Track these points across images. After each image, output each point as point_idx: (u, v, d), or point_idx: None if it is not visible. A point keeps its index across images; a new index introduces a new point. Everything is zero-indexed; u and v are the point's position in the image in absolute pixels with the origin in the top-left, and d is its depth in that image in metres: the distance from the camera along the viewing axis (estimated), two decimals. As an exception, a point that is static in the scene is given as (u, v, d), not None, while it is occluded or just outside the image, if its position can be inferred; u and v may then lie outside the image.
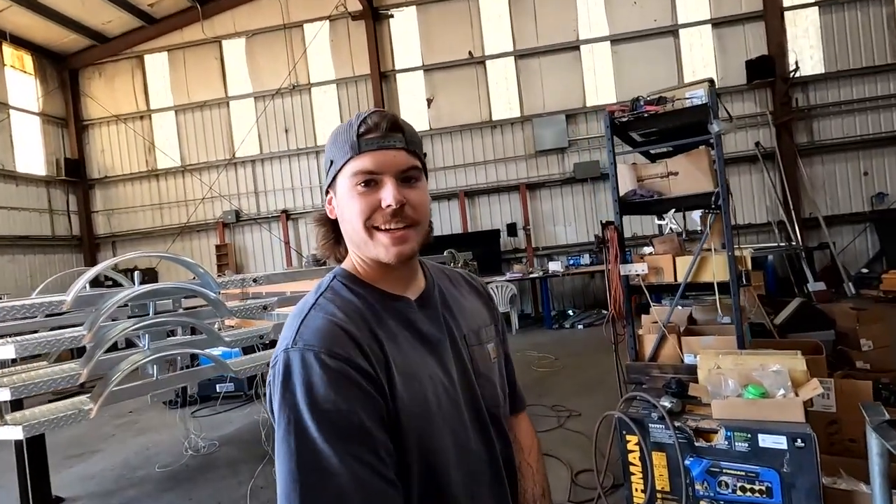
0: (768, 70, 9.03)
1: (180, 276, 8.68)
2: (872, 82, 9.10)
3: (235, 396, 5.65)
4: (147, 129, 11.53)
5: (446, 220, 10.20)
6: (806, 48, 9.29)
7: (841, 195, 9.22)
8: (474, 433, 0.86)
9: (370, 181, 0.79)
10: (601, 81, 9.88)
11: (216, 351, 3.16)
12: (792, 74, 9.04)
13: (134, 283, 2.68)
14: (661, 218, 3.91)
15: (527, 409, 1.13)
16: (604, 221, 3.19)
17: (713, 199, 2.83)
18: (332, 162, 0.83)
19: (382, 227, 0.79)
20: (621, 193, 3.17)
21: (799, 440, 2.18)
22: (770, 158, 9.23)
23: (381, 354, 0.77)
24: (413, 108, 10.29)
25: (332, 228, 0.90)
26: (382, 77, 10.38)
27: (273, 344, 3.70)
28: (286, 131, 10.98)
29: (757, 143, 9.25)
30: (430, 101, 10.27)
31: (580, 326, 8.26)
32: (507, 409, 0.99)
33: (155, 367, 2.61)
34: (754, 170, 9.33)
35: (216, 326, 3.77)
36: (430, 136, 10.20)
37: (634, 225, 8.68)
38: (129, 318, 2.80)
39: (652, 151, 4.58)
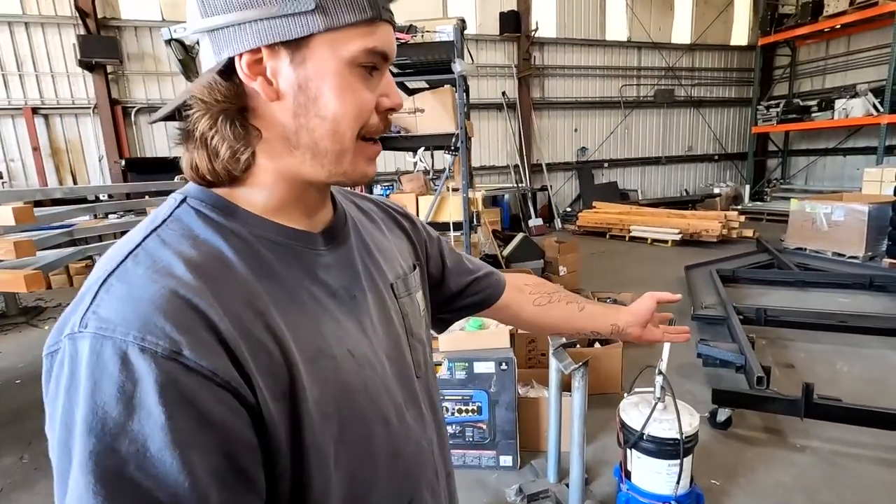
0: (516, 25, 9.98)
1: None
2: (587, 53, 11.02)
3: None
4: None
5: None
6: (545, 12, 10.54)
7: (558, 146, 11.18)
8: (412, 419, 0.62)
9: (375, 68, 0.54)
10: (371, 3, 9.39)
11: None
12: (533, 33, 10.21)
13: None
14: (414, 155, 3.91)
15: None
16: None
17: (453, 140, 2.89)
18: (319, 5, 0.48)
19: (369, 137, 0.56)
20: (369, 126, 2.99)
21: (504, 364, 2.48)
22: (513, 108, 10.46)
23: (269, 333, 0.47)
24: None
25: (242, 121, 0.52)
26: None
27: None
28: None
29: (503, 93, 10.34)
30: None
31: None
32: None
33: None
34: (500, 117, 10.46)
35: None
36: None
37: (398, 160, 8.85)
38: None
39: (410, 85, 4.48)
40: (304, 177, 0.55)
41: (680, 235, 8.10)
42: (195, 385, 0.41)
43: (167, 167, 6.78)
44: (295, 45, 0.50)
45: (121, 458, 0.39)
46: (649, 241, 8.42)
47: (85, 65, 7.40)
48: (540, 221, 9.94)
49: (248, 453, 0.44)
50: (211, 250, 0.49)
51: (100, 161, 8.02)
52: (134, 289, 0.43)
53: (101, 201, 7.07)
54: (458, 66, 2.69)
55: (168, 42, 0.55)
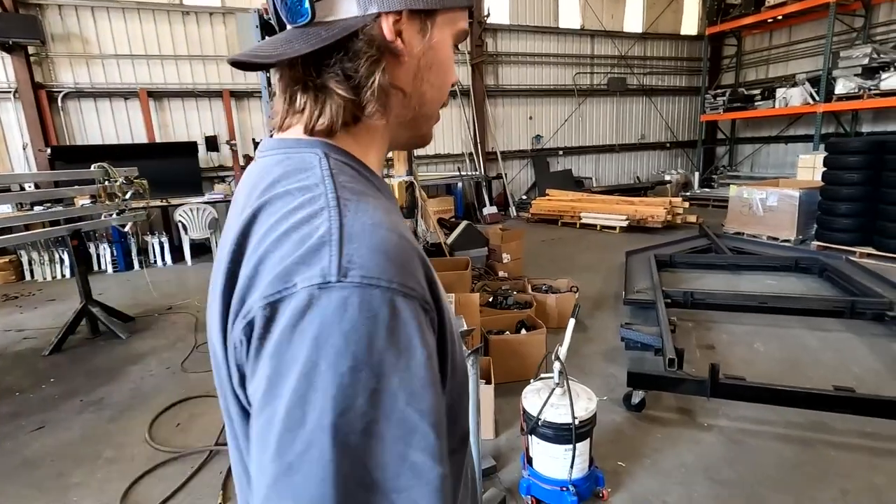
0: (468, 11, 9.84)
1: None
2: (540, 41, 11.01)
3: None
4: None
5: (124, 125, 8.11)
6: (498, -2, 10.46)
7: (513, 134, 11.18)
8: None
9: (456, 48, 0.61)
10: (317, -15, 9.08)
11: None
12: (485, 19, 10.11)
13: None
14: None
15: None
16: (257, 140, 2.83)
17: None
18: None
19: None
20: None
21: (411, 353, 2.43)
22: (466, 95, 10.37)
23: (437, 286, 0.51)
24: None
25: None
26: None
27: None
28: None
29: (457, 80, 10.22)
30: (87, -41, 7.61)
31: (291, 251, 8.01)
32: None
33: None
34: (454, 104, 10.35)
35: None
36: (91, 9, 7.67)
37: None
38: None
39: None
40: (394, 138, 0.60)
41: (627, 222, 8.24)
42: (430, 330, 0.45)
43: (100, 155, 6.30)
44: (426, 16, 0.55)
45: (395, 394, 0.40)
46: (599, 227, 8.54)
47: (0, 45, 6.87)
48: (494, 209, 9.94)
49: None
50: (388, 205, 0.52)
51: (24, 149, 7.51)
52: (375, 238, 0.44)
53: (28, 191, 6.64)
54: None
55: None
